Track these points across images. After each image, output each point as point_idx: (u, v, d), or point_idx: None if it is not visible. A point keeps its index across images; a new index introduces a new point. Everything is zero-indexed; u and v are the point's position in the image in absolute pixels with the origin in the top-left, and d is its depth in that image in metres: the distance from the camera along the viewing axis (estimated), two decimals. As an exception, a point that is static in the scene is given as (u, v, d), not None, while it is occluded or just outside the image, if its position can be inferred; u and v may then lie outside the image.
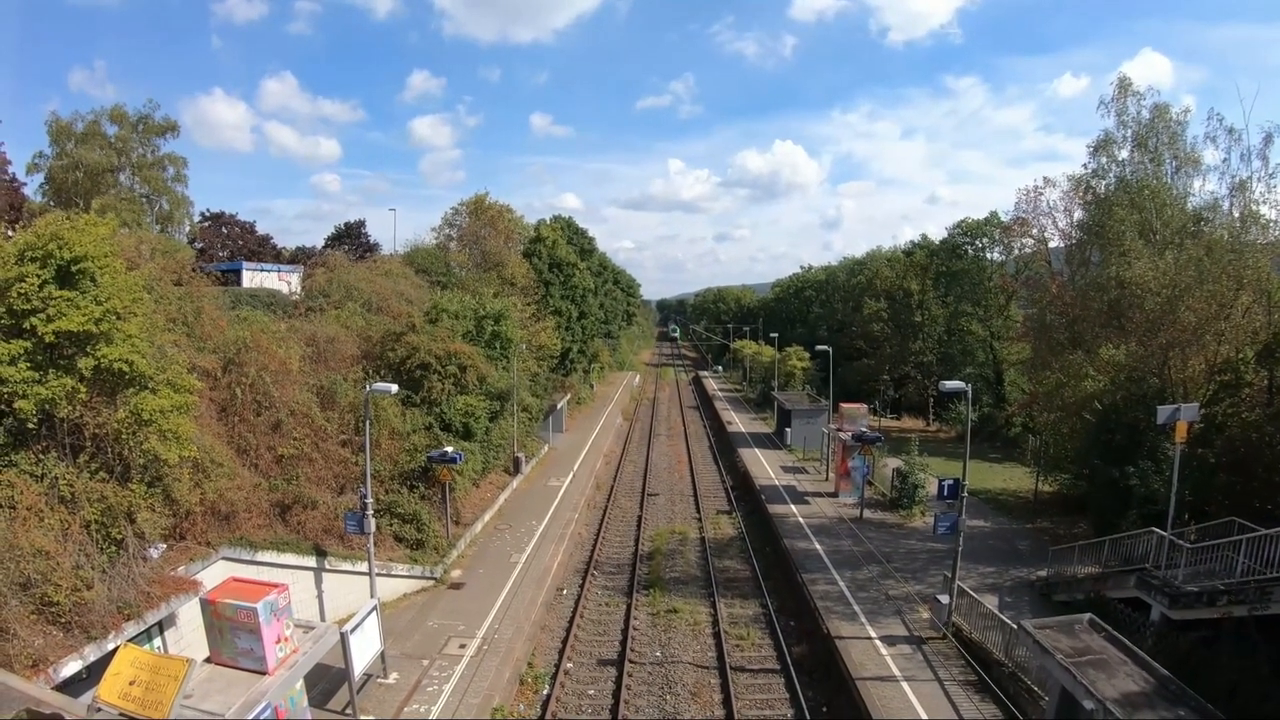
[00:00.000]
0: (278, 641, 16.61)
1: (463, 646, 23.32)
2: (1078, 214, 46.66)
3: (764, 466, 50.35)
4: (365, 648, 20.28)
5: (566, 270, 62.31)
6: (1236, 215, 34.63)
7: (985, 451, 51.41)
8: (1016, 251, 63.69)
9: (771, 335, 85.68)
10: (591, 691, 22.71)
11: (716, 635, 25.92)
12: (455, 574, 29.29)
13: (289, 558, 23.06)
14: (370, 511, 23.07)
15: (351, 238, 65.14)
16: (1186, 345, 31.82)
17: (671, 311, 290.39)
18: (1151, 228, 36.94)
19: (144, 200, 50.12)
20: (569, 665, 24.08)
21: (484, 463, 36.75)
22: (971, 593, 24.62)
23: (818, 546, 33.22)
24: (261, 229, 64.92)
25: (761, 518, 39.48)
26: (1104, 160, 40.87)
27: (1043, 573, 29.25)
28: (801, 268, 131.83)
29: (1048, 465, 40.97)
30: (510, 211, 59.22)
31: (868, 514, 38.12)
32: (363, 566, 24.27)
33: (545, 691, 22.49)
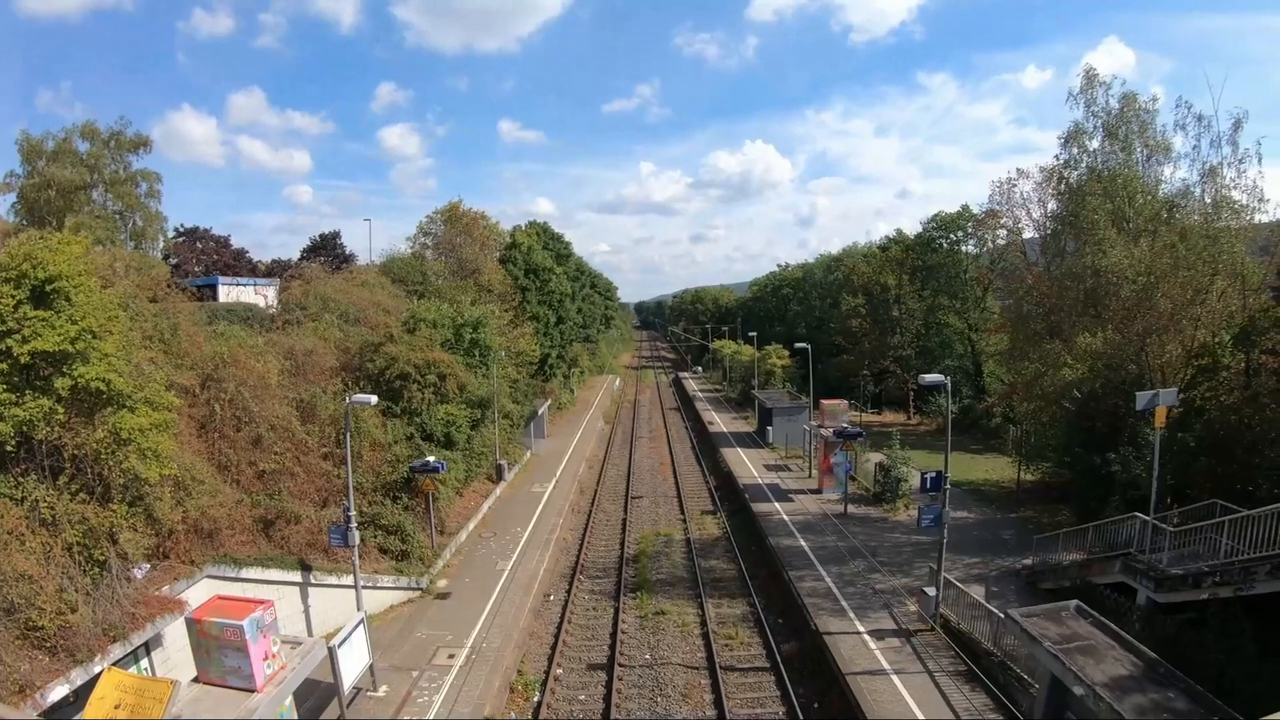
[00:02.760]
0: (265, 658, 16.66)
1: (452, 656, 23.41)
2: (1051, 204, 47.38)
3: (747, 465, 50.77)
4: (354, 661, 20.28)
5: (543, 275, 62.41)
6: (1209, 201, 35.12)
7: (966, 443, 52.07)
8: (991, 244, 64.25)
9: (750, 334, 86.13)
10: (582, 696, 22.89)
11: (705, 636, 26.12)
12: (442, 584, 29.41)
13: (274, 573, 23.03)
14: (354, 524, 23.08)
15: (327, 249, 65.10)
16: (1163, 331, 32.34)
17: (650, 314, 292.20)
18: (1125, 216, 37.31)
19: (117, 217, 49.75)
20: (559, 671, 24.28)
21: (467, 471, 36.80)
22: (958, 584, 25.01)
23: (803, 543, 33.58)
24: (236, 243, 64.99)
25: (746, 517, 39.83)
26: (1075, 151, 41.32)
27: (1028, 561, 29.67)
28: (778, 266, 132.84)
29: (1029, 455, 41.43)
30: (485, 218, 59.45)
31: (851, 509, 38.51)
32: (348, 580, 24.26)
33: (536, 698, 22.62)
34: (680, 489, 47.80)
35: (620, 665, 24.21)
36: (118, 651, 16.76)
